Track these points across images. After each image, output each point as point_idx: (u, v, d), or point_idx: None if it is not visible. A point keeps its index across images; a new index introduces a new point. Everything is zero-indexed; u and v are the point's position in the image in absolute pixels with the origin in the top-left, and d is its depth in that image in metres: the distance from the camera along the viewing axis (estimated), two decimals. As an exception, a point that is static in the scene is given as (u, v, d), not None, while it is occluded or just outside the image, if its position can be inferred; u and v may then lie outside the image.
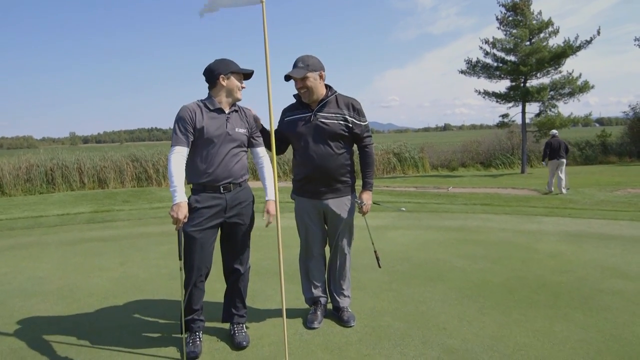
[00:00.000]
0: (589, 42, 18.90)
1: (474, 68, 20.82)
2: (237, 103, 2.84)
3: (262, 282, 3.99)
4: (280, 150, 3.06)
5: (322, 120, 2.91)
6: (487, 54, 20.43)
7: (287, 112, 3.09)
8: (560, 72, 19.79)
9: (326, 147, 2.90)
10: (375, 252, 3.25)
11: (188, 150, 2.65)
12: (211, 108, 2.72)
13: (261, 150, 2.92)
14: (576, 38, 19.06)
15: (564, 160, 11.74)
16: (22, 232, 6.80)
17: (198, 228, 2.66)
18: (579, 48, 19.03)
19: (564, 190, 11.44)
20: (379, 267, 3.30)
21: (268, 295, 3.73)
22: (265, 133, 2.95)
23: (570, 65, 30.15)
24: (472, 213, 7.60)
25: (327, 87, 3.00)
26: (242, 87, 2.79)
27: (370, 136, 3.07)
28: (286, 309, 2.68)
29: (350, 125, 2.94)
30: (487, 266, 4.39)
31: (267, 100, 2.55)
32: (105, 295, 3.83)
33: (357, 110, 2.97)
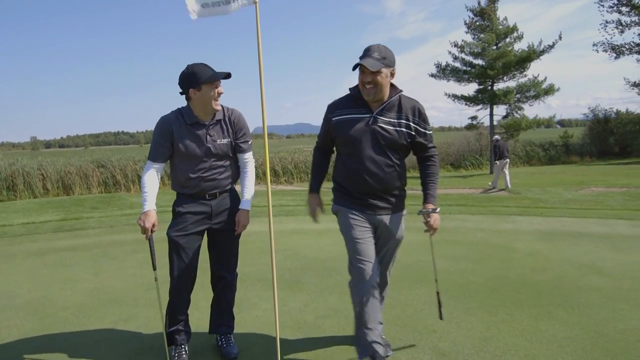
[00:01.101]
0: (551, 46, 19.69)
1: (444, 71, 21.31)
2: (222, 105, 2.62)
3: (245, 289, 3.90)
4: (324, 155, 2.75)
5: (383, 125, 2.43)
6: (456, 58, 20.96)
7: (337, 108, 2.54)
8: (526, 75, 20.54)
9: (385, 157, 2.44)
10: (437, 295, 2.77)
11: (162, 165, 2.63)
12: (188, 122, 2.54)
13: (247, 156, 2.75)
14: (540, 43, 19.81)
15: (508, 160, 13.46)
16: (-17, 243, 6.41)
17: (182, 233, 2.58)
18: (542, 52, 19.80)
19: (509, 185, 12.86)
20: (441, 318, 2.79)
21: (253, 303, 3.64)
22: (328, 138, 2.62)
23: (534, 69, 31.35)
24: (449, 214, 7.71)
25: (392, 86, 2.49)
26: (220, 93, 2.52)
27: (435, 146, 2.62)
28: (275, 316, 2.61)
29: (414, 133, 2.48)
30: (469, 267, 4.44)
31: (259, 99, 2.51)
32: (80, 308, 3.64)
33: (422, 117, 2.50)
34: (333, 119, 2.52)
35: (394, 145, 2.45)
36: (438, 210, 2.55)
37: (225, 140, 2.61)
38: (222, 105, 2.62)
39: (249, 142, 2.76)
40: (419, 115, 2.50)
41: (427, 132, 2.53)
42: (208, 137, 2.56)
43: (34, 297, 3.92)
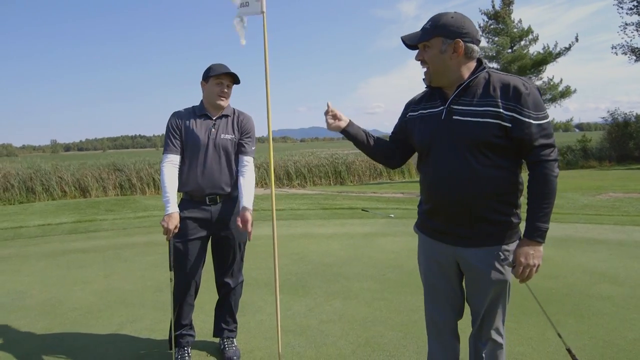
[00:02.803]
0: (567, 49, 19.40)
1: (458, 75, 21.14)
2: (235, 109, 2.76)
3: (251, 292, 3.91)
4: (392, 161, 2.14)
5: (459, 117, 1.77)
6: (470, 61, 20.79)
7: (412, 104, 2.03)
8: (542, 78, 20.25)
9: (466, 163, 1.76)
10: (570, 353, 1.99)
11: (179, 157, 2.66)
12: (198, 114, 2.68)
13: (248, 159, 2.73)
14: (555, 45, 19.53)
15: None
16: (1, 244, 6.57)
17: (183, 239, 2.61)
18: (558, 55, 19.51)
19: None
20: None
21: (258, 306, 3.65)
22: (407, 148, 2.09)
23: (550, 72, 30.91)
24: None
25: (478, 62, 1.84)
26: (224, 92, 2.64)
27: (551, 145, 1.73)
28: (280, 320, 2.62)
29: (508, 124, 1.70)
30: (477, 273, 4.38)
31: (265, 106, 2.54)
32: (89, 309, 3.70)
33: (520, 98, 1.69)
34: (406, 116, 2.02)
35: (478, 145, 1.73)
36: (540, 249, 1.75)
37: (228, 136, 2.67)
38: (235, 109, 2.76)
39: (252, 147, 2.77)
40: (516, 97, 1.69)
41: (531, 121, 1.68)
42: (212, 129, 2.65)
43: (45, 298, 4.00)
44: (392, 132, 2.13)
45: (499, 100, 1.72)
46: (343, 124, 2.04)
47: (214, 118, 2.68)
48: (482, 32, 20.77)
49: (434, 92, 1.91)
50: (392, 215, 8.05)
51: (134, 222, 8.25)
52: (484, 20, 20.68)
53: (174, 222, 2.49)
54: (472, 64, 1.82)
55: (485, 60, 1.92)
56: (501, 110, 1.70)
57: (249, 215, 2.52)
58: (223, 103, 2.67)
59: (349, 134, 2.05)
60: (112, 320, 3.45)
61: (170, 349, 2.67)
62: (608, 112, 26.79)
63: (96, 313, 3.61)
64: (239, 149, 2.73)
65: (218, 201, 2.66)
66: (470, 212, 1.79)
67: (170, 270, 2.58)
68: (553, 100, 20.04)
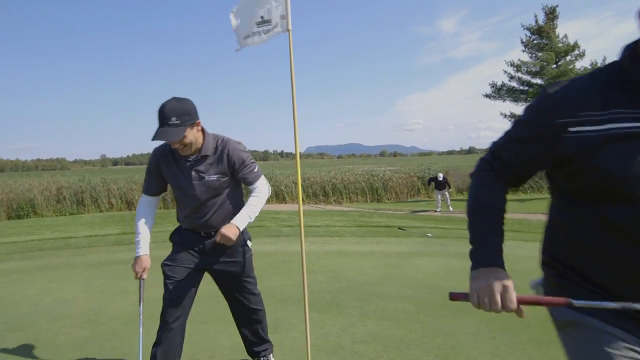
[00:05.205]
0: (618, 64, 18.58)
1: (499, 92, 20.69)
2: (217, 140, 2.40)
3: (285, 309, 3.91)
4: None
5: None
6: (512, 77, 20.30)
7: (582, 106, 1.07)
8: (589, 94, 19.46)
9: None
10: None
11: (157, 198, 2.57)
12: (176, 155, 2.38)
13: (257, 184, 2.51)
14: (604, 60, 18.75)
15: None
16: (51, 253, 6.95)
17: (171, 264, 2.48)
18: (608, 70, 18.70)
19: None
20: None
21: (292, 324, 3.64)
22: (533, 168, 1.23)
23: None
24: (501, 240, 7.35)
25: None
26: (177, 149, 2.28)
27: None
28: (310, 339, 2.60)
29: None
30: (519, 297, 4.18)
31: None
32: (129, 319, 3.82)
33: None
34: (570, 131, 1.08)
35: None
36: None
37: (214, 177, 2.37)
38: (217, 142, 2.39)
39: (254, 171, 2.50)
40: None
41: None
42: (194, 172, 2.36)
43: (89, 307, 4.17)
44: (513, 164, 1.22)
45: None
46: (510, 282, 1.18)
47: (193, 159, 2.37)
48: (525, 48, 20.28)
49: (633, 89, 1.04)
50: (430, 235, 7.87)
51: (174, 235, 8.50)
52: (526, 36, 20.20)
53: (141, 265, 2.42)
54: None
55: None
56: None
57: (228, 230, 2.31)
58: (184, 153, 2.32)
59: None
60: (151, 332, 3.53)
61: None
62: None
63: (135, 323, 3.70)
64: (243, 181, 2.51)
65: (213, 234, 2.47)
66: None
67: (139, 304, 2.54)
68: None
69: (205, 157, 2.36)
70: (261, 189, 2.51)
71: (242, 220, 2.39)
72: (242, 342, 2.97)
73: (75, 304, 4.28)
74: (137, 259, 2.43)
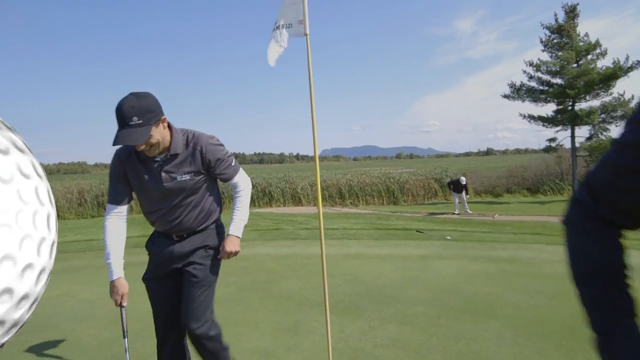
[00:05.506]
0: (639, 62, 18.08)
1: (518, 92, 20.36)
2: (188, 135, 2.15)
3: (304, 312, 3.91)
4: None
5: None
6: (531, 77, 19.97)
7: None
8: (611, 94, 18.99)
9: None
10: None
11: (125, 207, 2.25)
12: (141, 156, 2.11)
13: (236, 179, 2.29)
14: (627, 59, 18.30)
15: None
16: (74, 255, 7.10)
17: (149, 276, 2.36)
18: (630, 69, 18.24)
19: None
20: None
21: (312, 327, 3.63)
22: None
23: (621, 87, 28.94)
24: (523, 243, 7.22)
25: None
26: (143, 150, 2.02)
27: None
28: (331, 343, 2.59)
29: None
30: (543, 302, 4.10)
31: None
32: (150, 321, 3.85)
33: None
34: None
35: None
36: None
37: (186, 176, 2.13)
38: (187, 138, 2.15)
39: (232, 165, 2.26)
40: None
41: None
42: (164, 173, 2.10)
43: (112, 308, 4.19)
44: (635, 206, 0.88)
45: None
46: None
47: (161, 159, 2.10)
48: (545, 47, 19.91)
49: None
50: (449, 238, 7.78)
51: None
52: (545, 35, 19.84)
53: (118, 292, 2.16)
54: None
55: None
56: None
57: (231, 244, 2.20)
58: (152, 154, 2.06)
59: None
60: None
61: None
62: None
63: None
64: (221, 178, 2.28)
65: (185, 236, 2.26)
66: None
67: (124, 337, 2.32)
68: (624, 117, 18.65)
69: (175, 155, 2.10)
70: (242, 185, 2.30)
71: (238, 227, 2.24)
72: (262, 345, 2.97)
73: (99, 305, 4.36)
74: (112, 284, 2.16)
